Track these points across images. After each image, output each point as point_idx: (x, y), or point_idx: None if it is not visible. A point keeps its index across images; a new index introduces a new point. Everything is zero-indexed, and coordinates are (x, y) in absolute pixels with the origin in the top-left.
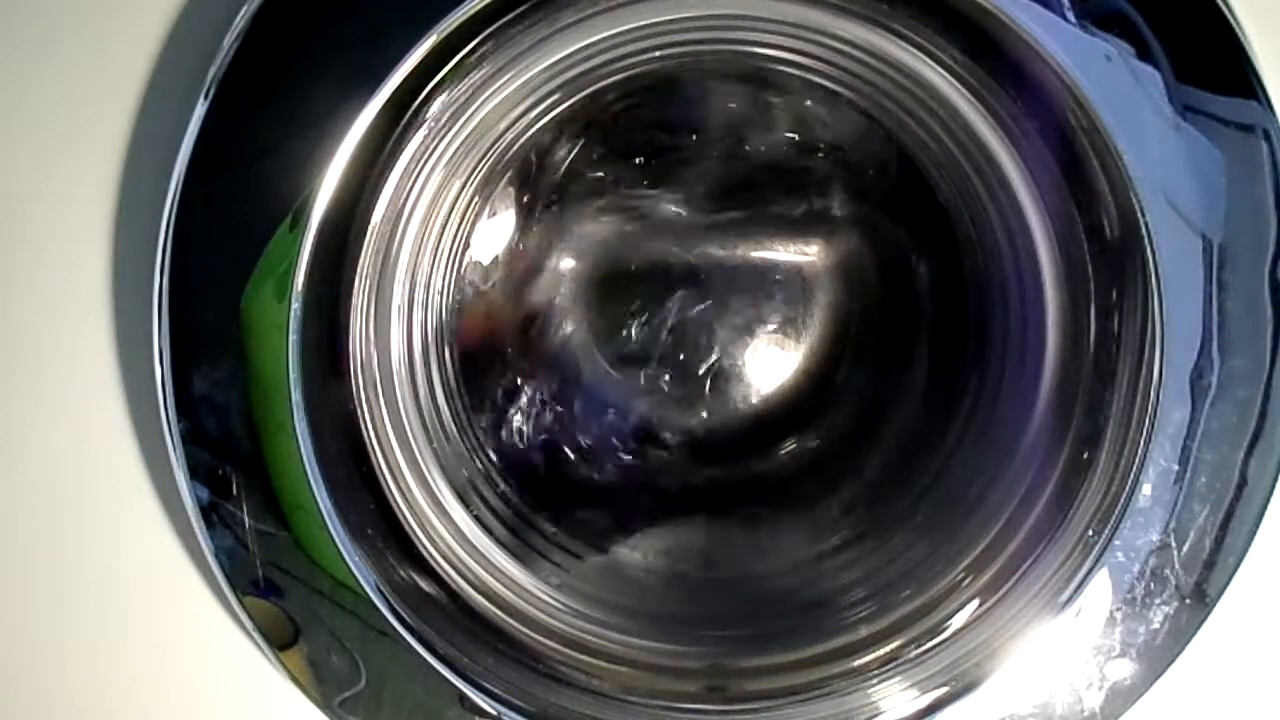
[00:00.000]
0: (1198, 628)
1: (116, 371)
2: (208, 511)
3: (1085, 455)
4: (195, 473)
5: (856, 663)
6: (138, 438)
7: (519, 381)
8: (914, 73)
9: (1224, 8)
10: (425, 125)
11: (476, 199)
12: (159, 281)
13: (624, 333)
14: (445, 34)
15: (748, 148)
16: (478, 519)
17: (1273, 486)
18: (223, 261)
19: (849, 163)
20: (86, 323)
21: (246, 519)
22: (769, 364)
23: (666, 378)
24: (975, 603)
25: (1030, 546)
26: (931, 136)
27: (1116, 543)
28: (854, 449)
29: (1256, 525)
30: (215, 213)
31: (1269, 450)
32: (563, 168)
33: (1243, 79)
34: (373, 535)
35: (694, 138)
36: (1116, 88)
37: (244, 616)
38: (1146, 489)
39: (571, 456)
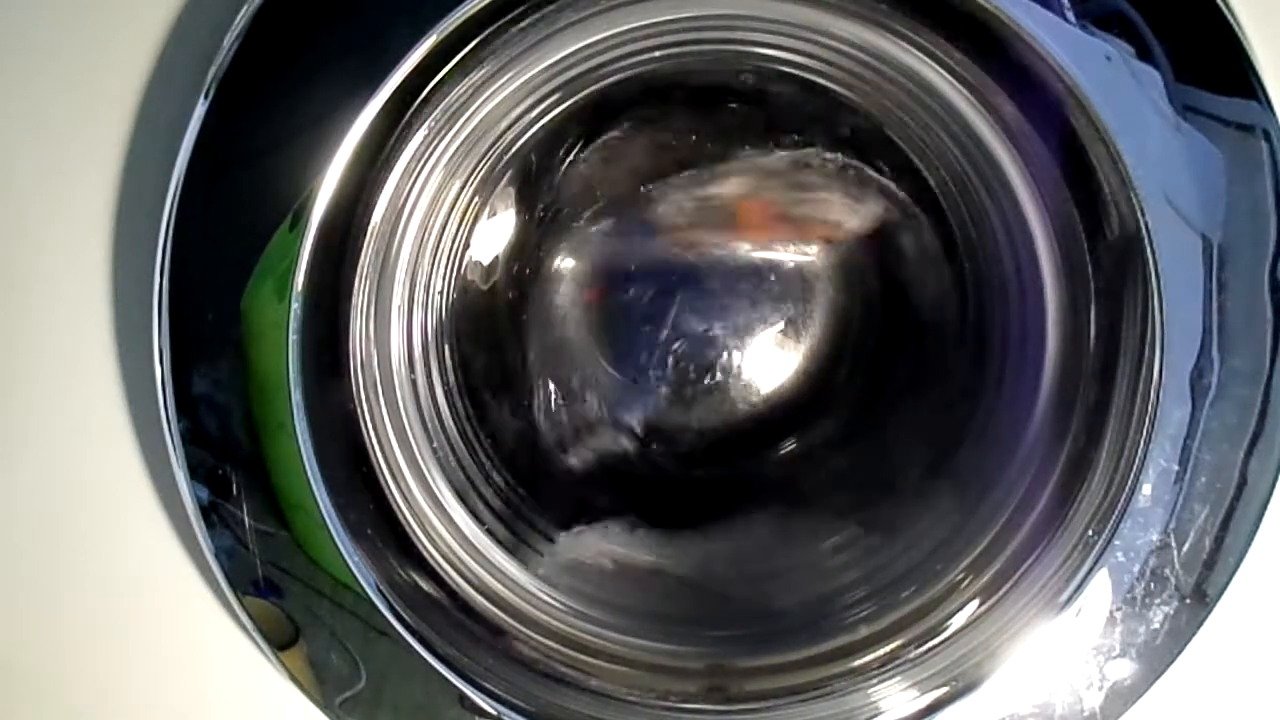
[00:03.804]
0: (1198, 628)
1: (116, 371)
2: (208, 511)
3: (1085, 455)
4: (195, 473)
5: (856, 663)
6: (138, 438)
7: (519, 381)
8: (914, 73)
9: (1224, 8)
10: (425, 125)
11: (476, 199)
12: (159, 281)
13: (624, 333)
14: (445, 34)
15: (747, 148)
16: (478, 519)
17: (1273, 486)
18: (223, 261)
19: (849, 163)
20: (86, 323)
21: (246, 519)
22: (769, 364)
23: (667, 377)
24: (975, 603)
25: (1030, 546)
26: (932, 137)
27: (1116, 543)
28: (854, 449)
29: (1256, 525)
30: (215, 213)
31: (1269, 450)
32: (563, 167)
33: (1243, 79)
34: (373, 535)
35: (693, 138)
36: (1116, 88)
37: (244, 616)
38: (1146, 489)
39: (571, 456)
